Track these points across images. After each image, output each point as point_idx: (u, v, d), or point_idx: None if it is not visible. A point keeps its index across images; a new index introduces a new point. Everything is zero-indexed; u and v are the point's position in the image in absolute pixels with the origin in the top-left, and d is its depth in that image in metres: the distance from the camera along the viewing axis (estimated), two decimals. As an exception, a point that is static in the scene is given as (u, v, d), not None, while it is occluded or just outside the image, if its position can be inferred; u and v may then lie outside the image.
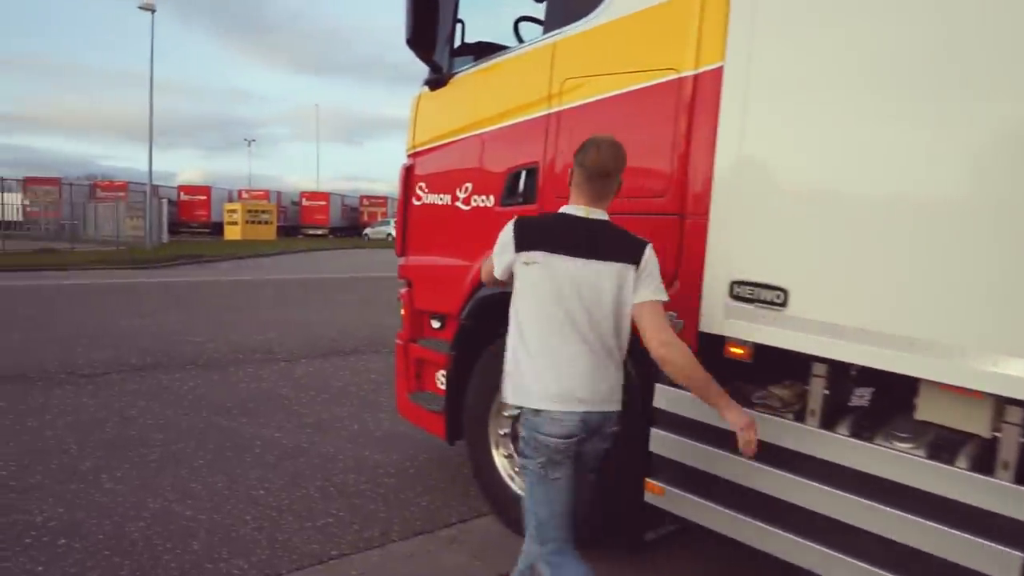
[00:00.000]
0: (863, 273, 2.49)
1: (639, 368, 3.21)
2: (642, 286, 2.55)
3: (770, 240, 2.73)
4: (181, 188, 55.35)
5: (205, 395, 6.35)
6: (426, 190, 4.44)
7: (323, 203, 57.58)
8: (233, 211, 46.95)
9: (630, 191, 3.20)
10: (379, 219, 57.79)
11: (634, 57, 3.20)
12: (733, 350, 2.88)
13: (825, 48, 2.59)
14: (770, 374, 2.92)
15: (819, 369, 2.71)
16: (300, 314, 11.57)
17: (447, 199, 4.25)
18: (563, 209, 2.66)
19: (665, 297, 2.59)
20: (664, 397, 3.11)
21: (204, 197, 53.91)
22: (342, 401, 6.32)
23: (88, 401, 6.04)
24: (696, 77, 2.96)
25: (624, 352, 2.63)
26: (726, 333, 2.88)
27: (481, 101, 4.05)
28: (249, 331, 9.66)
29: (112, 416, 5.63)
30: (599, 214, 2.63)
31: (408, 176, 4.53)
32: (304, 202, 58.35)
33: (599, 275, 2.52)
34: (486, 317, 3.77)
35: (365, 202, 65.61)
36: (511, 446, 3.82)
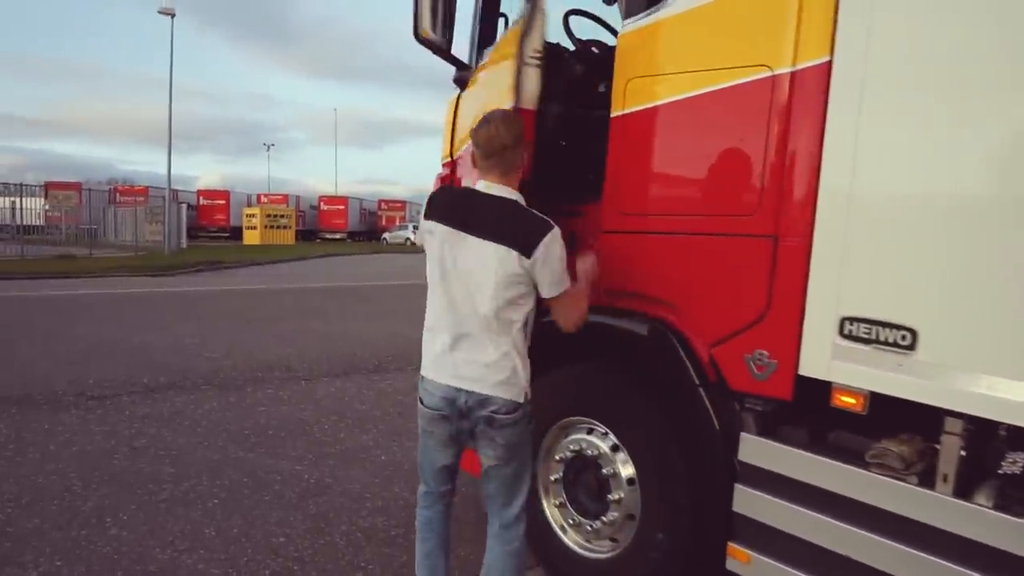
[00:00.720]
0: (1016, 309, 2.03)
1: (720, 415, 2.76)
2: (545, 280, 2.51)
3: (893, 269, 2.26)
4: (200, 192, 55.55)
5: (221, 420, 5.95)
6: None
7: (341, 207, 57.59)
8: (252, 216, 46.96)
9: (710, 207, 2.76)
10: (398, 223, 57.67)
11: (714, 53, 2.73)
12: (843, 399, 2.41)
13: (966, 37, 2.13)
14: (879, 424, 2.46)
15: (953, 425, 2.24)
16: (320, 325, 11.18)
17: None
18: (474, 185, 2.64)
19: (567, 284, 2.57)
20: (751, 449, 2.66)
21: (223, 202, 54.05)
22: (367, 427, 5.89)
23: (95, 428, 5.65)
24: (795, 75, 2.49)
25: (518, 337, 2.59)
26: (834, 379, 2.41)
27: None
28: (268, 345, 9.28)
29: (120, 446, 5.23)
30: (502, 190, 2.58)
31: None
32: (323, 206, 58.41)
33: (482, 254, 2.50)
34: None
35: (383, 206, 65.59)
36: (563, 493, 3.37)
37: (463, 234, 2.52)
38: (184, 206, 35.93)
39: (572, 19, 3.82)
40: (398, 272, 22.99)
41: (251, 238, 44.76)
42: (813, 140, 2.45)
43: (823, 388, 2.45)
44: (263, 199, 57.89)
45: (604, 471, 3.13)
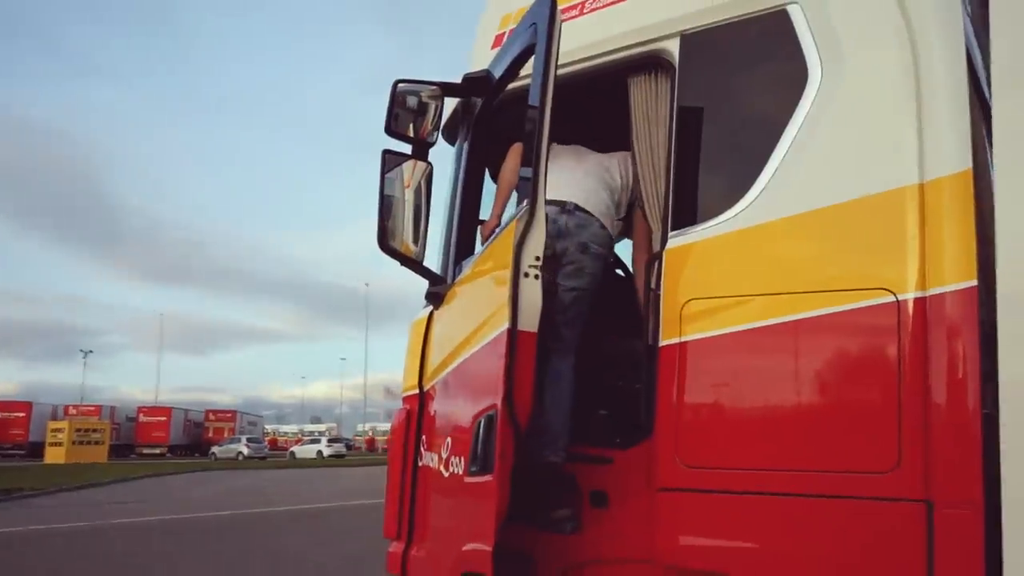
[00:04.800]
0: None
1: None
2: None
3: None
4: (-6, 404, 49.35)
5: None
6: (425, 446, 3.17)
7: (163, 419, 53.28)
8: (58, 431, 41.73)
9: (826, 463, 2.18)
10: (227, 436, 53.79)
11: (812, 272, 2.29)
12: None
13: None
14: None
15: None
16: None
17: (434, 460, 2.99)
18: None
19: None
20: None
21: (23, 414, 48.26)
22: None
23: None
24: (929, 300, 2.07)
25: None
26: None
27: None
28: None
29: None
30: None
31: (407, 426, 3.26)
32: (141, 418, 53.71)
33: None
34: None
35: (211, 417, 61.47)
36: None
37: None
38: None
39: None
40: (242, 495, 20.52)
41: (54, 456, 39.33)
42: (972, 377, 1.98)
43: None
44: (71, 411, 52.21)
45: None
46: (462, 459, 2.55)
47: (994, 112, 2.00)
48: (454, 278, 3.15)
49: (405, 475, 3.18)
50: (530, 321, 2.35)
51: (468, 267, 2.95)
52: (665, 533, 2.40)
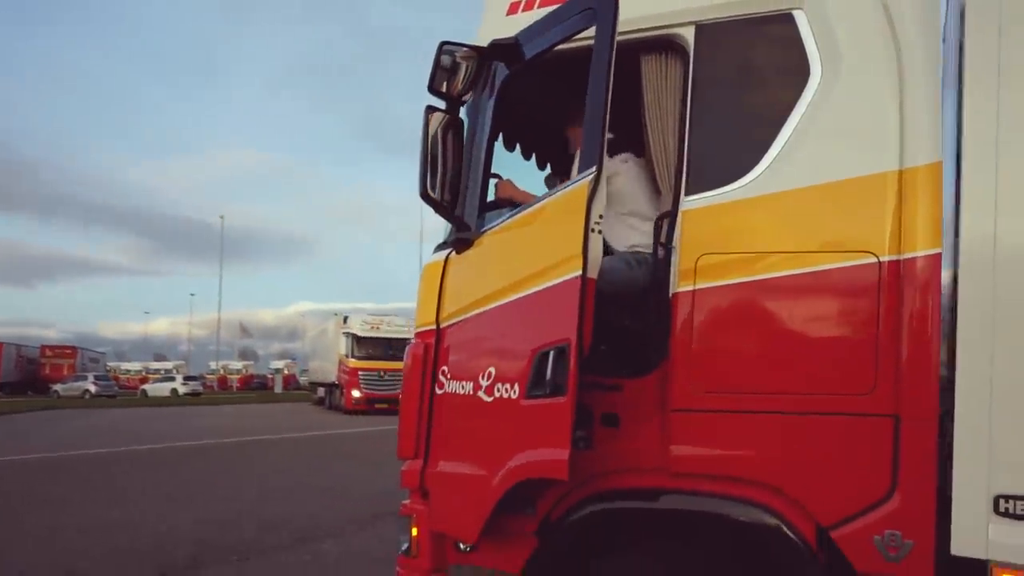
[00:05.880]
0: None
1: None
2: None
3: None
4: None
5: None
6: (448, 376, 3.54)
7: (-9, 355, 49.08)
8: None
9: (818, 387, 2.76)
10: (67, 373, 50.58)
11: (810, 236, 2.82)
12: (1004, 576, 2.45)
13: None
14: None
15: None
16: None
17: (466, 387, 3.38)
18: None
19: None
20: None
21: None
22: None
23: None
24: (903, 263, 2.67)
25: None
26: (994, 557, 2.45)
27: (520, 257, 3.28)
28: None
29: None
30: None
31: (425, 358, 3.59)
32: (-34, 354, 49.23)
33: None
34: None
35: (48, 353, 57.46)
36: None
37: None
38: None
39: None
40: (112, 432, 19.62)
41: None
42: (934, 322, 2.60)
43: (981, 567, 2.47)
44: None
45: None
46: (515, 385, 2.94)
47: (965, 108, 2.55)
48: (478, 228, 3.48)
49: (423, 401, 3.54)
50: (594, 270, 2.76)
51: (504, 220, 3.30)
52: (678, 446, 2.92)
